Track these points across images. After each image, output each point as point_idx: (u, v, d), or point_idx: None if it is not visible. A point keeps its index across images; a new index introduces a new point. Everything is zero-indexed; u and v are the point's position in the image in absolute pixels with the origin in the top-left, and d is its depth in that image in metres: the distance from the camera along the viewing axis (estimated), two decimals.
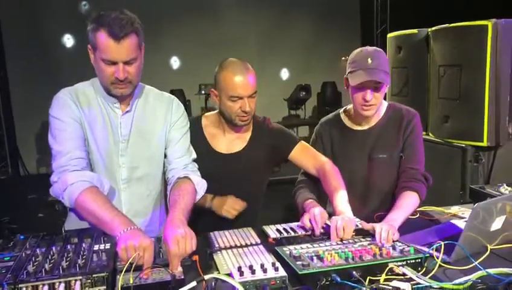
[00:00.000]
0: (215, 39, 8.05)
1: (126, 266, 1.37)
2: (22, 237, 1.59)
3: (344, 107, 2.28)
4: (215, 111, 2.18)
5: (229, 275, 1.39)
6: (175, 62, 8.61)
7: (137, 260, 1.41)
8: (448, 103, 3.02)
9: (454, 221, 1.95)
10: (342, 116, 2.25)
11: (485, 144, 2.85)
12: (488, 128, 2.81)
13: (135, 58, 1.66)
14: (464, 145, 2.97)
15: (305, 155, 2.15)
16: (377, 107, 2.08)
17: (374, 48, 2.06)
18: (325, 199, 2.22)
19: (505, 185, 2.08)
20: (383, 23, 8.53)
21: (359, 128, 2.19)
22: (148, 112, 1.85)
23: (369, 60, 1.98)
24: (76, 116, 1.72)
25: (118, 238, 1.48)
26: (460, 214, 2.05)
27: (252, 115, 2.09)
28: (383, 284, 1.24)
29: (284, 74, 9.05)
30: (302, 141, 2.19)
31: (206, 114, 2.20)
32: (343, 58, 9.55)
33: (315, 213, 1.80)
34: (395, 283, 1.24)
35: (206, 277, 1.33)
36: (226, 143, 2.15)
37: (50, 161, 5.82)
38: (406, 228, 1.80)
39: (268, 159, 2.21)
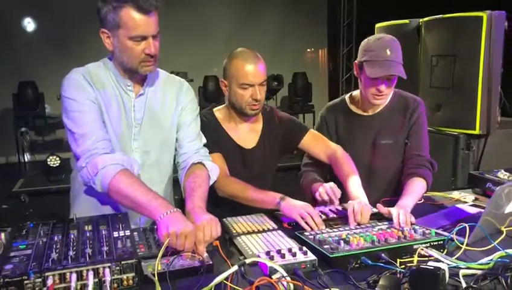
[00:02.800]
0: (184, 28, 7.91)
1: (160, 254, 1.32)
2: (31, 224, 1.50)
3: (350, 93, 2.29)
4: (224, 105, 2.14)
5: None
6: None
7: (178, 247, 1.38)
8: (441, 92, 3.11)
9: (459, 205, 2.01)
10: (348, 101, 2.26)
11: (477, 132, 2.96)
12: (480, 117, 2.91)
13: (159, 32, 1.62)
14: (456, 133, 3.07)
15: (316, 142, 2.15)
16: (388, 96, 2.10)
17: (390, 36, 2.06)
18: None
19: (502, 170, 2.15)
20: (350, 15, 8.67)
21: (365, 114, 2.20)
22: (160, 95, 1.79)
23: (388, 52, 1.97)
24: (93, 97, 1.63)
25: (158, 223, 1.43)
26: (462, 199, 2.11)
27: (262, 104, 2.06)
28: (422, 265, 1.25)
29: None
30: (311, 129, 2.19)
31: (216, 108, 2.15)
32: (308, 50, 9.67)
33: (331, 185, 1.84)
34: (432, 263, 1.25)
35: (247, 260, 1.30)
36: (241, 137, 2.11)
37: (11, 150, 5.51)
38: (413, 213, 1.82)
39: (280, 148, 2.20)
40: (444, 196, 2.17)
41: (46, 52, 7.10)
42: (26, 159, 6.81)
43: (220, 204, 1.97)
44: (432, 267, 1.21)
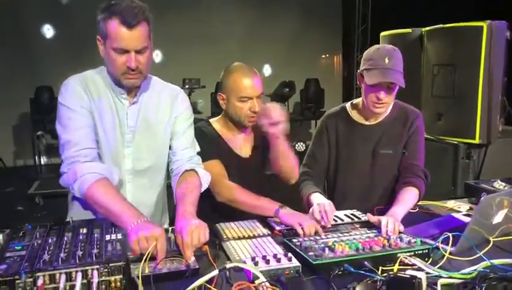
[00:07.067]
0: (197, 34, 8.01)
1: (145, 256, 1.36)
2: (29, 226, 1.57)
3: (351, 101, 2.31)
4: (219, 116, 2.19)
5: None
6: (157, 56, 8.52)
7: (151, 250, 1.41)
8: (442, 101, 3.11)
9: (454, 214, 2.02)
10: (349, 110, 2.28)
11: (477, 141, 2.96)
12: (480, 126, 2.91)
13: (146, 47, 1.65)
14: (456, 142, 3.07)
15: None
16: (388, 105, 2.13)
17: (392, 46, 2.10)
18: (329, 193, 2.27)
19: (498, 180, 2.16)
20: (364, 22, 8.66)
21: (366, 123, 2.23)
22: (154, 103, 1.83)
23: (386, 60, 2.01)
24: (87, 104, 1.69)
25: (129, 232, 1.47)
26: (457, 208, 2.12)
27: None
28: (400, 273, 1.27)
29: (267, 70, 9.07)
30: None
31: (213, 120, 2.20)
32: (323, 56, 9.68)
33: (326, 208, 1.85)
34: (410, 272, 1.28)
35: (228, 265, 1.34)
36: (239, 146, 2.16)
37: (28, 153, 5.67)
38: (406, 221, 1.84)
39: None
40: (439, 205, 2.18)
41: (63, 58, 7.27)
42: (42, 162, 6.97)
43: (217, 210, 2.01)
44: (408, 276, 1.24)
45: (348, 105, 2.30)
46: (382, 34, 3.56)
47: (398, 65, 2.03)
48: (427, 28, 3.27)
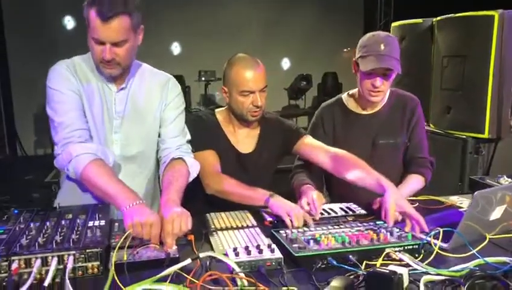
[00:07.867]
0: (216, 26, 8.00)
1: (118, 245, 1.36)
2: (16, 211, 1.58)
3: (347, 92, 2.26)
4: (225, 107, 2.14)
5: (225, 255, 1.38)
6: (176, 48, 8.56)
7: (144, 235, 1.42)
8: (451, 94, 3.01)
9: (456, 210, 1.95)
10: (345, 99, 2.23)
11: (486, 136, 2.86)
12: (490, 121, 2.81)
13: (125, 40, 1.61)
14: (464, 137, 2.97)
15: (315, 144, 2.08)
16: (384, 93, 2.08)
17: (386, 33, 2.05)
18: (320, 185, 2.22)
19: (505, 176, 2.07)
20: (386, 15, 8.49)
21: (363, 112, 2.17)
22: (144, 90, 1.82)
23: (382, 46, 1.96)
24: (75, 88, 1.70)
25: (124, 214, 1.47)
26: (459, 204, 2.04)
27: (263, 110, 2.04)
28: (380, 268, 1.23)
29: (285, 63, 9.00)
30: (309, 135, 2.16)
31: (218, 110, 2.15)
32: (344, 50, 9.52)
33: (314, 197, 1.80)
34: (392, 267, 1.23)
35: (201, 254, 1.32)
36: (239, 141, 2.11)
37: (47, 142, 5.75)
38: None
39: (279, 153, 2.18)
40: (441, 201, 2.10)
41: (83, 50, 7.38)
42: None
43: (210, 201, 1.98)
44: (388, 271, 1.19)
45: (344, 95, 2.25)
46: (393, 24, 3.46)
47: (394, 52, 1.98)
48: (438, 18, 3.15)
